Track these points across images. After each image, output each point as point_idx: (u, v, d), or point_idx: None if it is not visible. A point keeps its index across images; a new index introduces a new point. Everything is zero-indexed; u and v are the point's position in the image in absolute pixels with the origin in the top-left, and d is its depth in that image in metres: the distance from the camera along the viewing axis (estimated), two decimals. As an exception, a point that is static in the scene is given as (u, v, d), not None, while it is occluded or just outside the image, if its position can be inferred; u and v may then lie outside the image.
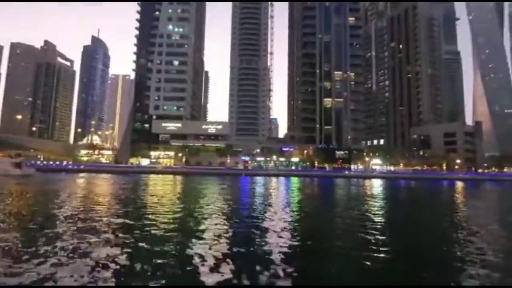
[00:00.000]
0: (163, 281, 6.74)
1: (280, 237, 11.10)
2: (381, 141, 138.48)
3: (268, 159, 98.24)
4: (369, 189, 39.64)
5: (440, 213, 20.98)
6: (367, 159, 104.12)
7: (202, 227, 12.39)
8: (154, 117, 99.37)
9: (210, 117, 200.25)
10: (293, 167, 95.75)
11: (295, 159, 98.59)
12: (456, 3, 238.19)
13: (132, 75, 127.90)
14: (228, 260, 8.05)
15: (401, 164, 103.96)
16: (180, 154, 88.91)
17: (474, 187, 53.19)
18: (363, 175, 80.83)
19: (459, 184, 59.53)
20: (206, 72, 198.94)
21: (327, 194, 33.44)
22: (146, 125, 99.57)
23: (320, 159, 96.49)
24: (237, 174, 71.15)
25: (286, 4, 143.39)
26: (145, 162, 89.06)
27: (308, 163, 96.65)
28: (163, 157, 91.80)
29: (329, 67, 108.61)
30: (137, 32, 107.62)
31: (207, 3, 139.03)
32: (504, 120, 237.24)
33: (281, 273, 7.30)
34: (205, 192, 28.41)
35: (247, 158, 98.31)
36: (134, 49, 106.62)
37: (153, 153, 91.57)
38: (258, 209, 18.13)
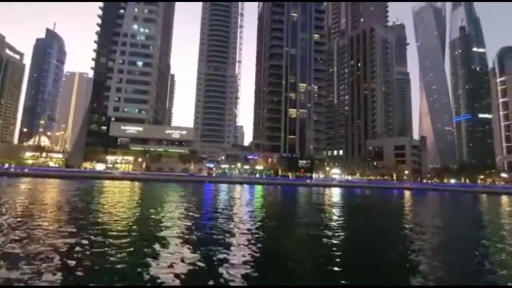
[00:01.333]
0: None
1: (240, 248, 10.77)
2: (341, 152, 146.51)
3: (233, 166, 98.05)
4: (328, 197, 41.66)
5: (391, 219, 22.91)
6: (327, 168, 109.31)
7: (157, 239, 11.46)
8: (113, 119, 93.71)
9: (175, 122, 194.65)
10: (257, 175, 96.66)
11: (259, 167, 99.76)
12: (407, 30, 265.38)
13: (91, 74, 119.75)
14: (182, 276, 7.55)
15: (358, 174, 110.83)
16: (140, 160, 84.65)
17: (419, 195, 58.67)
18: (324, 183, 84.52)
19: (407, 193, 65.26)
20: (172, 76, 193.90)
21: (290, 202, 34.42)
22: (104, 128, 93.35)
23: (284, 168, 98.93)
24: (200, 181, 69.80)
25: (255, 14, 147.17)
26: (100, 167, 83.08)
27: (272, 171, 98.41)
28: (121, 162, 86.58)
29: (294, 79, 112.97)
30: (98, 28, 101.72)
31: (176, 8, 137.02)
32: (444, 136, 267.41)
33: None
34: (165, 200, 27.42)
35: (211, 165, 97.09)
36: (94, 46, 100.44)
37: (109, 158, 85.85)
38: (220, 218, 18.04)
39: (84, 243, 10.07)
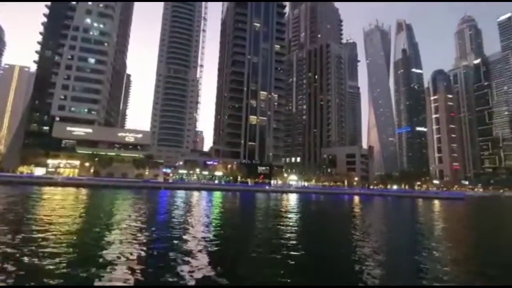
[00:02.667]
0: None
1: (196, 258, 10.44)
2: (298, 159, 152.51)
3: (191, 172, 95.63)
4: (286, 203, 43.09)
5: (341, 223, 24.66)
6: (285, 175, 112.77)
7: (104, 250, 10.79)
8: (57, 118, 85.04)
9: (129, 124, 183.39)
10: (216, 181, 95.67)
11: (219, 173, 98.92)
12: (358, 49, 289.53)
13: (33, 68, 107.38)
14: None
15: (313, 180, 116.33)
16: (87, 164, 77.84)
17: (367, 200, 63.76)
18: (282, 190, 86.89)
19: (356, 198, 70.46)
20: (128, 76, 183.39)
21: (248, 209, 34.82)
22: (46, 128, 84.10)
23: (243, 174, 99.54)
24: (155, 187, 66.70)
25: (219, 19, 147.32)
26: (40, 171, 74.40)
27: (231, 178, 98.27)
28: (65, 166, 78.64)
29: (256, 86, 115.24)
30: (45, 19, 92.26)
31: (136, 6, 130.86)
32: (388, 146, 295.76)
33: None
34: (115, 208, 25.67)
35: (168, 171, 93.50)
36: (39, 38, 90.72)
37: (51, 161, 77.37)
38: (176, 227, 17.63)
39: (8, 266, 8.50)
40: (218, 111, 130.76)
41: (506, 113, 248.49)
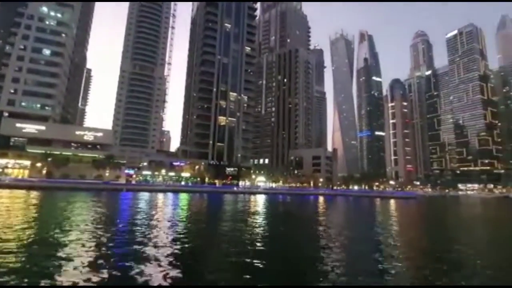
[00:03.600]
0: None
1: (155, 263, 9.99)
2: (266, 160, 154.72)
3: (156, 173, 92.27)
4: (253, 204, 43.64)
5: (306, 222, 25.72)
6: (253, 176, 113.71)
7: (53, 256, 10.14)
8: (6, 114, 76.85)
9: (89, 122, 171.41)
10: (183, 183, 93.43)
11: (186, 174, 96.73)
12: (325, 55, 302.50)
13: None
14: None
15: (281, 181, 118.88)
16: (39, 164, 71.32)
17: (330, 201, 66.89)
18: (250, 191, 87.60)
19: (321, 198, 73.57)
20: (89, 70, 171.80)
21: (215, 210, 34.70)
22: (-10, 124, 75.44)
23: (211, 175, 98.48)
24: (117, 189, 63.35)
25: (189, 17, 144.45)
26: (-19, 172, 66.51)
27: (199, 179, 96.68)
28: (14, 166, 71.30)
29: (225, 87, 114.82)
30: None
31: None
32: (350, 149, 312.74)
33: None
34: (69, 212, 24.02)
35: (131, 172, 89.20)
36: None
37: (-4, 161, 69.66)
38: (137, 230, 17.14)
39: None
40: (186, 111, 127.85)
41: (451, 120, 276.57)
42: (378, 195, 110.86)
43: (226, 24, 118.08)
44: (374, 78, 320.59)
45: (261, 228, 20.28)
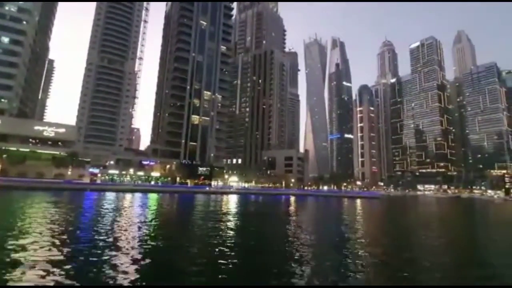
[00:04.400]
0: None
1: (125, 272, 9.51)
2: (239, 160, 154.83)
3: (124, 172, 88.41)
4: (226, 204, 43.64)
5: (277, 221, 26.36)
6: (226, 176, 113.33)
7: (4, 266, 9.53)
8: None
9: (50, 117, 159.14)
10: (152, 182, 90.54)
11: (156, 174, 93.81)
12: (299, 59, 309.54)
13: None
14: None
15: (253, 181, 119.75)
16: (-9, 161, 65.00)
17: (301, 200, 68.81)
18: (222, 191, 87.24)
19: (292, 198, 75.37)
20: (51, 61, 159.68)
21: (186, 211, 34.23)
22: None
23: (183, 175, 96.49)
24: (80, 189, 59.81)
25: (162, 11, 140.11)
26: None
27: (169, 179, 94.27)
28: (-41, 163, 64.24)
29: (199, 86, 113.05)
30: None
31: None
32: (321, 151, 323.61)
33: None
34: (25, 214, 22.33)
35: (96, 171, 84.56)
36: None
37: None
38: (100, 231, 16.53)
39: None
40: (158, 108, 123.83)
41: (412, 125, 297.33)
42: (346, 195, 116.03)
43: (201, 22, 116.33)
44: (344, 83, 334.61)
45: (232, 228, 20.50)
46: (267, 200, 64.51)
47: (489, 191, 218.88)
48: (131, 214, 26.05)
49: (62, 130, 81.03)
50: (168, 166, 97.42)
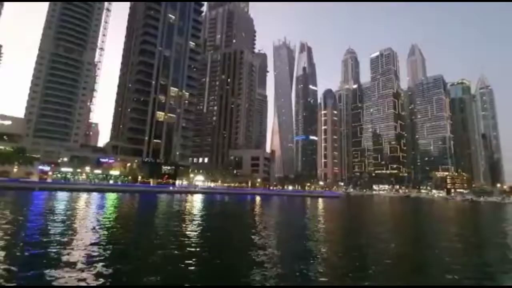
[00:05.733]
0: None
1: (74, 273, 9.23)
2: (206, 159, 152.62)
3: (79, 170, 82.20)
4: (190, 204, 42.95)
5: (241, 221, 26.74)
6: (191, 175, 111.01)
7: None
8: None
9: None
10: (111, 181, 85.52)
11: (115, 172, 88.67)
12: (268, 60, 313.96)
13: None
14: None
15: (220, 181, 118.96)
16: None
17: (266, 200, 70.16)
18: (187, 190, 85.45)
19: (258, 198, 76.49)
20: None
21: (148, 211, 33.11)
22: None
23: (145, 174, 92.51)
24: (27, 188, 54.54)
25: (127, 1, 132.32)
26: None
27: (130, 177, 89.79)
28: None
29: (166, 81, 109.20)
30: None
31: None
32: (287, 151, 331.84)
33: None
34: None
35: (46, 168, 77.46)
36: None
37: None
38: (49, 235, 15.52)
39: None
40: (120, 103, 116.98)
41: (370, 129, 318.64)
42: (309, 194, 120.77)
43: (170, 15, 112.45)
44: (311, 86, 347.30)
45: (195, 229, 20.44)
46: (233, 199, 64.74)
47: (434, 190, 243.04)
48: (86, 215, 24.55)
49: (8, 122, 73.14)
50: (129, 165, 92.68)
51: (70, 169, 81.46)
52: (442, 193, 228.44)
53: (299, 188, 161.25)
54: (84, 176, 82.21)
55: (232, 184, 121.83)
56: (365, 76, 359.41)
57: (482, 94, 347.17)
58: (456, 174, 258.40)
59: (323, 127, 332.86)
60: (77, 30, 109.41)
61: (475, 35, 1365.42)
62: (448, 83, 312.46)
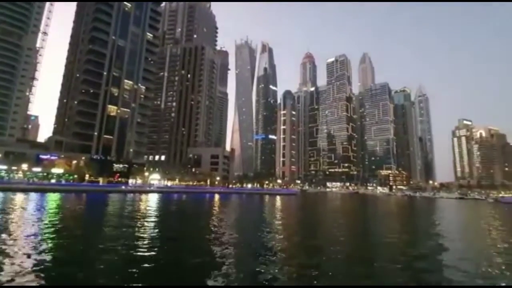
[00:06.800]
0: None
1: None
2: (163, 157, 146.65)
3: (15, 168, 73.02)
4: (144, 204, 41.22)
5: (198, 220, 26.69)
6: (147, 173, 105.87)
7: None
8: None
9: None
10: (53, 180, 77.66)
11: (58, 170, 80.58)
12: (230, 58, 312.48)
13: None
14: None
15: (177, 180, 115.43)
16: None
17: (225, 198, 70.30)
18: (141, 189, 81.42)
19: (217, 196, 76.22)
20: None
21: (96, 212, 31.10)
22: None
23: (94, 172, 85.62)
24: None
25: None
26: None
27: (76, 176, 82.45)
28: None
29: (120, 73, 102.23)
30: None
31: None
32: (247, 150, 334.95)
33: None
34: None
35: (-28, 165, 67.35)
36: None
37: None
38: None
39: None
40: (66, 94, 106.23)
41: (325, 130, 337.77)
42: (267, 192, 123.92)
43: (125, 3, 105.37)
44: (271, 86, 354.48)
45: (150, 229, 20.00)
46: (191, 198, 63.68)
47: (379, 187, 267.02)
48: (22, 218, 22.27)
49: None
50: (75, 162, 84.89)
51: (4, 167, 71.98)
52: (386, 190, 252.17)
53: (258, 186, 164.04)
54: (21, 175, 73.26)
55: (191, 183, 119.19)
56: (322, 80, 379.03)
57: (419, 101, 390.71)
58: (397, 172, 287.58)
59: (282, 127, 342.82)
60: (16, 10, 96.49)
61: (416, 49, 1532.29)
62: (392, 90, 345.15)
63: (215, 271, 10.54)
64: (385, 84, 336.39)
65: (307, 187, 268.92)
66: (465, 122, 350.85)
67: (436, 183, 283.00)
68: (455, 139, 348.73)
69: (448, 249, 16.55)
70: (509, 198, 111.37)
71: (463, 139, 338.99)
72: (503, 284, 10.41)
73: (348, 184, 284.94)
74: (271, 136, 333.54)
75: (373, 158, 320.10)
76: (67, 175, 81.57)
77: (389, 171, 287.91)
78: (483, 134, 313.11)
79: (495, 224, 33.64)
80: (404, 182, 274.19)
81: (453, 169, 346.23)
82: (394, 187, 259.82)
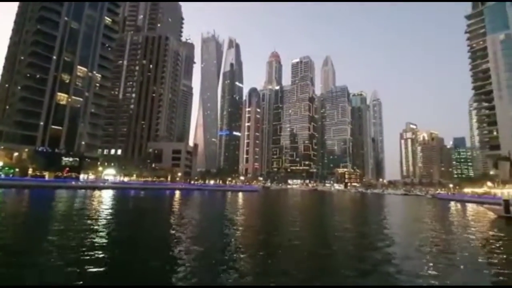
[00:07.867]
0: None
1: None
2: (119, 151, 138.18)
3: None
4: (96, 201, 38.74)
5: (155, 218, 25.96)
6: (100, 168, 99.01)
7: None
8: None
9: None
10: (-11, 174, 68.86)
11: (-5, 163, 71.63)
12: (195, 51, 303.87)
13: None
14: None
15: (135, 175, 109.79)
16: None
17: (187, 195, 68.91)
18: (93, 185, 76.14)
19: (177, 193, 74.30)
20: None
21: (39, 211, 28.51)
22: None
23: (39, 166, 77.68)
24: None
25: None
26: None
27: (17, 170, 74.10)
28: None
29: (72, 58, 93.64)
30: None
31: None
32: (210, 146, 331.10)
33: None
34: None
35: None
36: None
37: None
38: None
39: None
40: (8, 77, 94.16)
41: (288, 129, 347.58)
42: (230, 189, 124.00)
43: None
44: (237, 83, 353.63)
45: (102, 227, 19.07)
46: (150, 195, 61.30)
47: (335, 184, 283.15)
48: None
49: None
50: (16, 154, 76.20)
51: None
52: (341, 187, 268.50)
53: (221, 182, 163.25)
54: None
55: (150, 179, 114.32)
56: (287, 79, 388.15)
57: (374, 105, 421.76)
58: (352, 170, 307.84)
59: (246, 124, 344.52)
60: None
61: (374, 55, 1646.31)
62: (351, 93, 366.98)
63: (176, 271, 10.49)
64: (344, 87, 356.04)
65: (269, 184, 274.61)
66: (411, 125, 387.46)
67: (385, 181, 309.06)
68: (403, 141, 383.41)
69: (396, 236, 18.46)
70: (443, 195, 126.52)
71: (409, 141, 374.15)
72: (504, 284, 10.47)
73: (308, 181, 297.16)
74: (235, 133, 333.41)
75: (331, 157, 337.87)
76: (6, 168, 72.90)
77: (345, 169, 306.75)
78: (425, 137, 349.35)
79: (431, 213, 38.19)
80: (358, 179, 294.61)
81: (400, 168, 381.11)
82: (349, 184, 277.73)
